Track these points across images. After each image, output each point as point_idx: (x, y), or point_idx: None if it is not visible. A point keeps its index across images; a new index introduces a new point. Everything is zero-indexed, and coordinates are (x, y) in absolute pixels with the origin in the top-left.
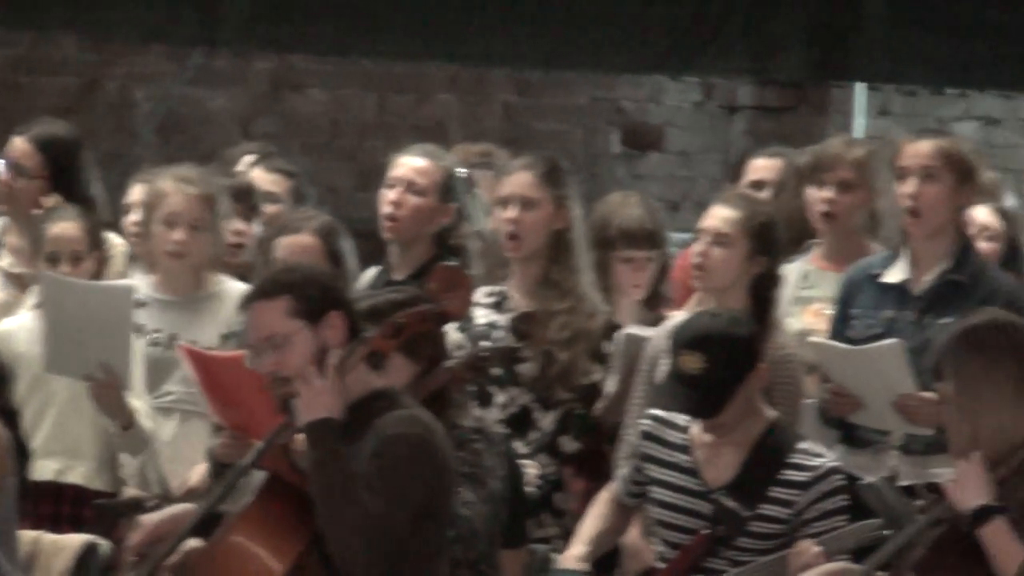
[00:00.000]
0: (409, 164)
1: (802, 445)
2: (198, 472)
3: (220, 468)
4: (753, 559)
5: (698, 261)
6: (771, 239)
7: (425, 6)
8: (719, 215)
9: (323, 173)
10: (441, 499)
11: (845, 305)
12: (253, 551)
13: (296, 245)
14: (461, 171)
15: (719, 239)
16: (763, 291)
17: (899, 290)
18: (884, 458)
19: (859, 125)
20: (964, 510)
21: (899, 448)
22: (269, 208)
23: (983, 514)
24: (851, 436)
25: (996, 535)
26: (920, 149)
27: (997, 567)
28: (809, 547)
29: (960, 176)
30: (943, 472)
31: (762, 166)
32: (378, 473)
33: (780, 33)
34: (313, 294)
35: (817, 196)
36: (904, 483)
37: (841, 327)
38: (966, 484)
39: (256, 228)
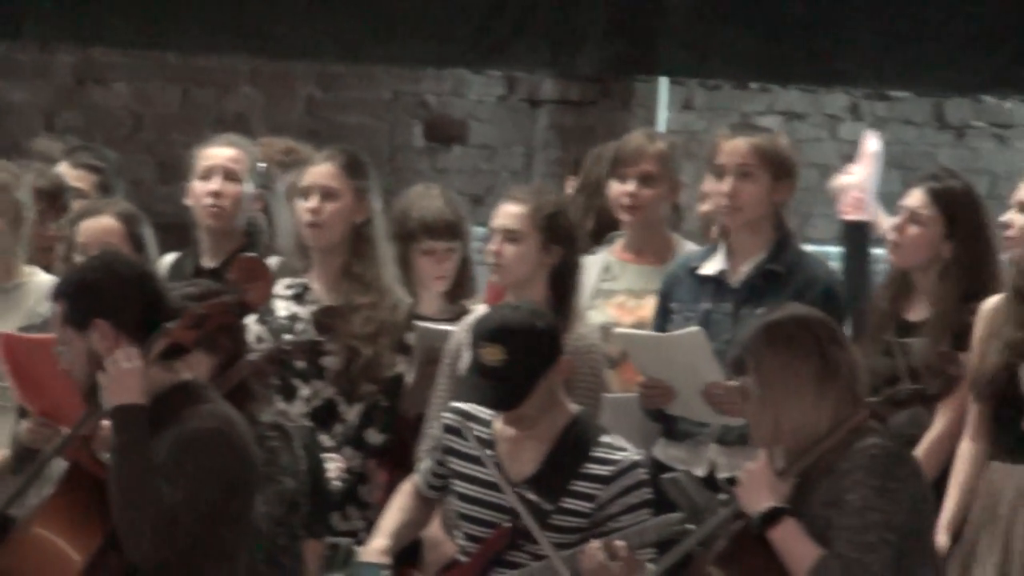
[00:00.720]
0: (224, 153)
1: (605, 439)
2: None
3: (25, 453)
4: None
5: (493, 260)
6: (562, 228)
7: None
8: (507, 212)
9: (126, 166)
10: (240, 495)
11: (666, 299)
12: (53, 541)
13: (98, 228)
14: (261, 164)
15: (509, 235)
16: (562, 280)
17: (716, 282)
18: (702, 451)
19: (662, 119)
20: (753, 512)
21: (715, 440)
22: (76, 204)
23: (772, 516)
24: (670, 429)
25: (785, 537)
26: (737, 147)
27: (789, 568)
28: (596, 549)
29: (776, 172)
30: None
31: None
32: (176, 465)
33: (582, 27)
34: (79, 303)
35: (620, 190)
36: (723, 475)
37: (662, 321)
38: (754, 486)
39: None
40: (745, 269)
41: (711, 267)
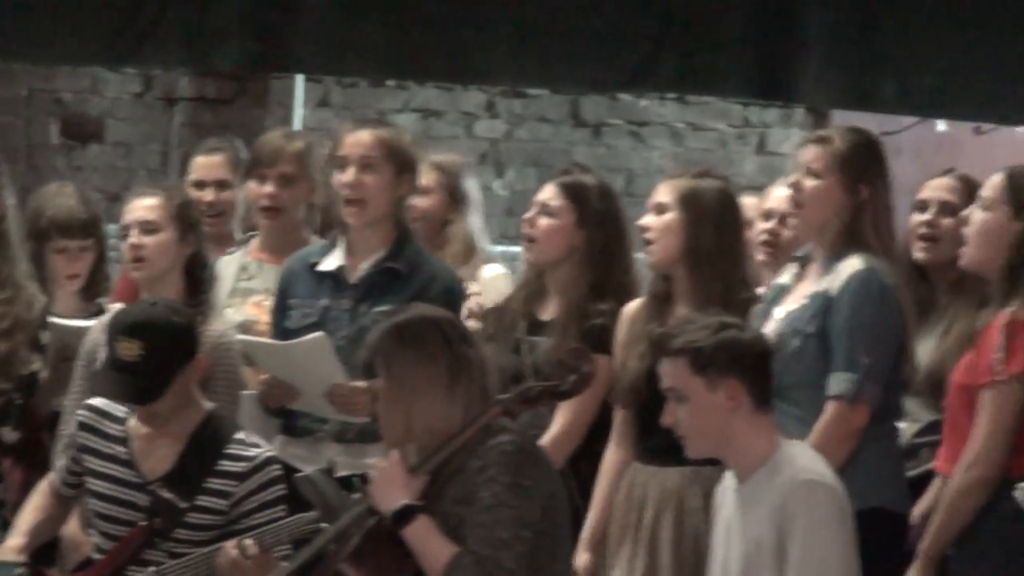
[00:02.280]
0: None
1: (239, 435)
2: None
3: None
4: (192, 551)
5: (132, 253)
6: (194, 219)
7: None
8: (141, 205)
9: None
10: None
11: (284, 295)
12: None
13: None
14: None
15: (147, 227)
16: (195, 274)
17: (334, 278)
18: (322, 448)
19: (299, 117)
20: (386, 510)
21: (334, 438)
22: None
23: (405, 514)
24: (290, 426)
25: (419, 534)
26: (360, 139)
27: (423, 565)
28: (230, 548)
29: (399, 167)
30: (377, 461)
31: (202, 164)
32: None
33: (218, 24)
34: None
35: (258, 191)
36: (342, 473)
37: (280, 317)
38: (387, 484)
39: None
40: (364, 266)
41: (330, 263)
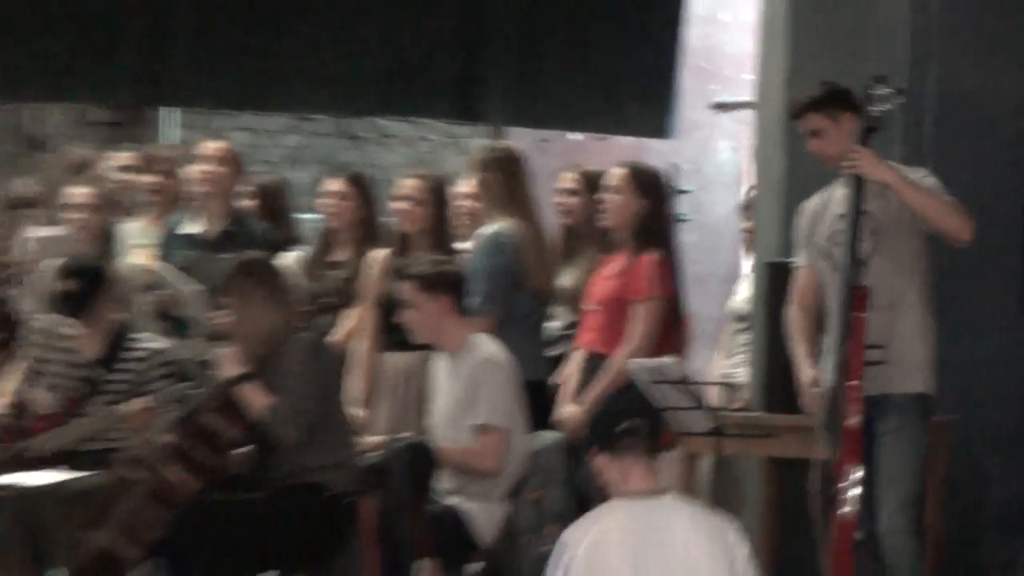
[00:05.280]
0: None
1: (140, 335)
2: None
3: None
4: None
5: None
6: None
7: None
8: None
9: None
10: None
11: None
12: None
13: None
14: None
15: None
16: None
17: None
18: (194, 343)
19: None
20: (229, 377)
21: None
22: None
23: (239, 379)
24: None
25: (251, 394)
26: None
27: (251, 409)
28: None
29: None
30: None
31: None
32: None
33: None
34: None
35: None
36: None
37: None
38: (228, 363)
39: None
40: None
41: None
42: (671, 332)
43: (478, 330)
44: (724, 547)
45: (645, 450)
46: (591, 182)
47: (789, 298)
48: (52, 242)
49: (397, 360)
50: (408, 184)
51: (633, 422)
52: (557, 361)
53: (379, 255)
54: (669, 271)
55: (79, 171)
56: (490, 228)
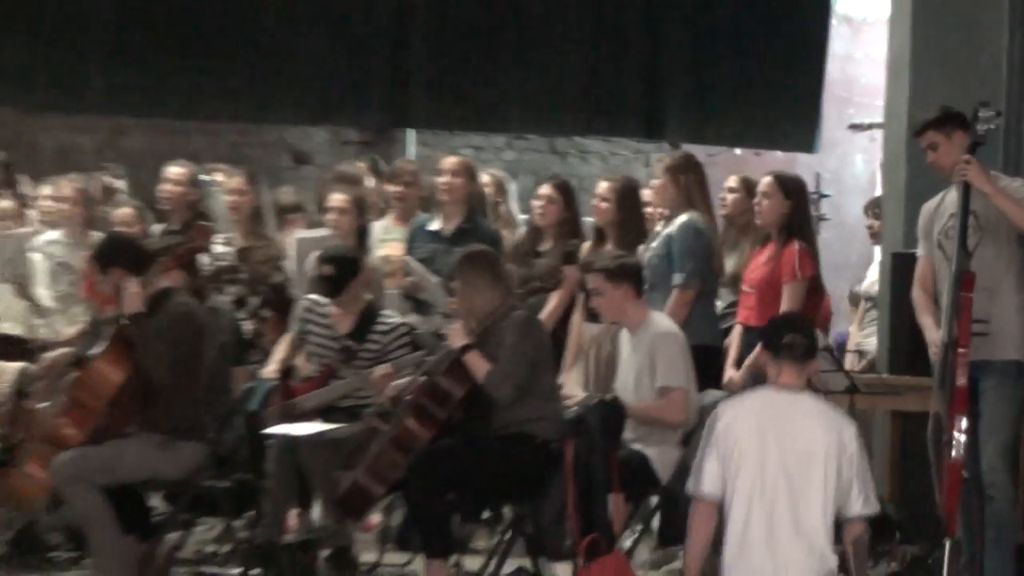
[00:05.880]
0: None
1: (384, 312)
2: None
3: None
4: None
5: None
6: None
7: None
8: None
9: None
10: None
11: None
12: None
13: None
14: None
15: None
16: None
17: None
18: (433, 319)
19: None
20: (456, 348)
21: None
22: None
23: (464, 349)
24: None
25: (475, 361)
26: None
27: (475, 375)
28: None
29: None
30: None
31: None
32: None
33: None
34: (107, 254)
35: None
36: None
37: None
38: (456, 336)
39: None
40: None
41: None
42: (814, 308)
43: (682, 302)
44: (838, 441)
45: (797, 358)
46: (749, 186)
47: (914, 282)
48: (315, 241)
49: (590, 330)
50: (604, 186)
51: (794, 337)
52: (727, 332)
53: (584, 247)
54: (809, 258)
55: (342, 182)
56: (684, 217)
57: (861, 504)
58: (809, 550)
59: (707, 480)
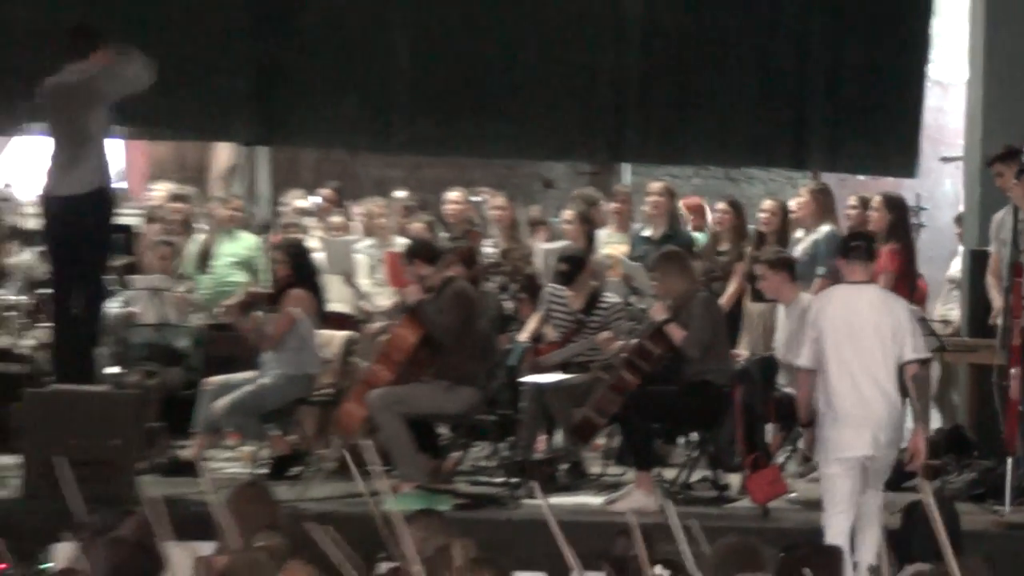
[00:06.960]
0: None
1: (605, 293)
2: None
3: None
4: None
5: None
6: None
7: None
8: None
9: None
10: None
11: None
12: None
13: None
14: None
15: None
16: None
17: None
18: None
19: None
20: (657, 320)
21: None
22: None
23: (664, 322)
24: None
25: (671, 328)
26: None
27: (675, 341)
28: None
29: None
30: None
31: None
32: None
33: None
34: (411, 252)
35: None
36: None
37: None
38: (657, 311)
39: None
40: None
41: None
42: (906, 291)
43: (824, 286)
44: (894, 320)
45: (862, 258)
46: (865, 203)
47: (986, 271)
48: (555, 251)
49: (756, 308)
50: (767, 205)
51: (858, 241)
52: None
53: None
54: (899, 255)
55: (584, 204)
56: (827, 228)
57: (911, 350)
58: (882, 393)
59: (805, 354)
